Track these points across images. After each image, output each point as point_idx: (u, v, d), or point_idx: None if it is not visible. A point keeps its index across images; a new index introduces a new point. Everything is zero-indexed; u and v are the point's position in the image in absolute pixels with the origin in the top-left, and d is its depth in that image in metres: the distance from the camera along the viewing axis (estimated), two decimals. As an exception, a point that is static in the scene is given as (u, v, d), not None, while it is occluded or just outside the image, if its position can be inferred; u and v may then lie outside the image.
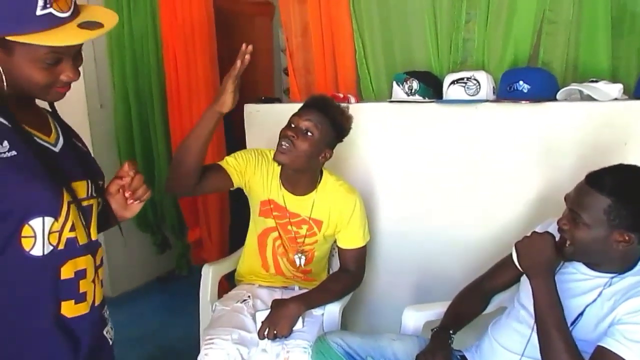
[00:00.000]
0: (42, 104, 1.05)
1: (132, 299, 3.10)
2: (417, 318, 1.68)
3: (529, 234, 1.33)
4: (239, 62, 1.47)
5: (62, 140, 1.04)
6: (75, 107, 2.89)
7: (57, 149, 1.01)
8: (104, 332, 1.12)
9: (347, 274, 1.83)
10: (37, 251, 0.93)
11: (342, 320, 1.83)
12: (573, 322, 1.24)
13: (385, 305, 2.22)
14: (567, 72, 1.85)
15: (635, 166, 1.23)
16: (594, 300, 1.23)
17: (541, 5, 1.81)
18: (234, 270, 2.03)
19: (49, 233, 0.93)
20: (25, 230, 0.91)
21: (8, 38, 0.85)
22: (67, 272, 0.98)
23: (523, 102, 1.72)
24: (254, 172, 1.78)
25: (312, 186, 1.78)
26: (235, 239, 2.32)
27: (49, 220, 0.93)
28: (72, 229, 0.98)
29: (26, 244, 0.92)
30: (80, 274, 1.00)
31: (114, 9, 2.82)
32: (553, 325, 1.20)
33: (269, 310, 1.67)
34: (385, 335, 1.59)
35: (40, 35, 0.86)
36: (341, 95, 2.16)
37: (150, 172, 3.10)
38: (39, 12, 0.85)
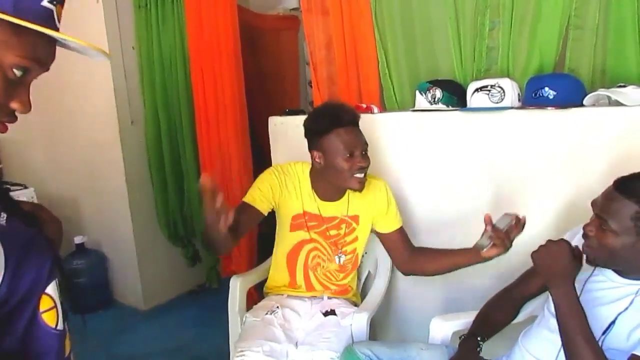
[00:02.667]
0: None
1: (164, 312, 3.16)
2: (445, 328, 1.67)
3: (544, 243, 1.31)
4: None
5: None
6: (107, 124, 2.99)
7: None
8: None
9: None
10: (61, 322, 0.77)
11: (371, 330, 1.83)
12: (605, 331, 1.21)
13: (413, 314, 2.21)
14: (595, 78, 1.81)
15: None
16: (626, 309, 1.20)
17: (566, 11, 1.79)
18: (264, 281, 2.05)
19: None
20: (44, 303, 0.74)
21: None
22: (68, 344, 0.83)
23: (549, 108, 1.70)
24: (281, 193, 1.81)
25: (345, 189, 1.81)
26: (263, 248, 2.35)
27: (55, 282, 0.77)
28: None
29: (49, 318, 0.75)
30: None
31: (144, 27, 2.94)
32: (577, 333, 1.17)
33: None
34: (413, 345, 1.59)
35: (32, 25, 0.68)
36: (364, 106, 2.18)
37: (180, 186, 3.18)
38: (45, 3, 0.69)
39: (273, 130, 2.40)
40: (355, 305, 1.93)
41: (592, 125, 1.68)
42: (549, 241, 1.30)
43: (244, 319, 1.87)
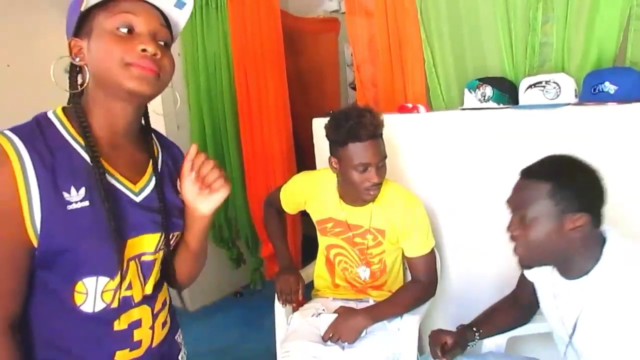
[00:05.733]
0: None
1: (209, 313, 3.20)
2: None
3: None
4: None
5: (152, 186, 0.95)
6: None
7: (138, 199, 0.92)
8: (179, 358, 1.17)
9: (417, 284, 1.80)
10: (87, 307, 0.87)
11: (420, 335, 1.78)
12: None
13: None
14: (660, 71, 1.71)
15: (565, 154, 1.20)
16: (581, 312, 1.16)
17: (628, 1, 1.69)
18: (310, 283, 2.04)
19: (102, 292, 0.87)
20: (79, 287, 0.86)
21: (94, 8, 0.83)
22: (120, 324, 0.91)
23: (610, 103, 1.61)
24: (310, 197, 1.86)
25: None
26: (307, 251, 2.35)
27: (103, 279, 0.87)
28: (129, 287, 0.91)
29: (78, 299, 0.86)
30: (135, 324, 0.94)
31: (189, 34, 3.00)
32: None
33: (335, 315, 1.70)
34: (489, 354, 1.54)
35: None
36: (410, 106, 2.14)
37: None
38: None
39: (317, 132, 2.38)
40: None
41: (658, 120, 1.58)
42: None
43: (289, 320, 1.87)
